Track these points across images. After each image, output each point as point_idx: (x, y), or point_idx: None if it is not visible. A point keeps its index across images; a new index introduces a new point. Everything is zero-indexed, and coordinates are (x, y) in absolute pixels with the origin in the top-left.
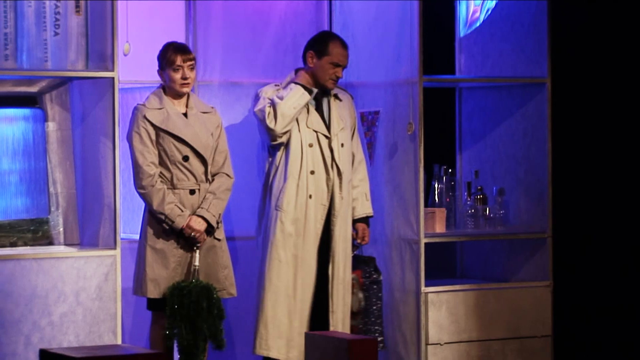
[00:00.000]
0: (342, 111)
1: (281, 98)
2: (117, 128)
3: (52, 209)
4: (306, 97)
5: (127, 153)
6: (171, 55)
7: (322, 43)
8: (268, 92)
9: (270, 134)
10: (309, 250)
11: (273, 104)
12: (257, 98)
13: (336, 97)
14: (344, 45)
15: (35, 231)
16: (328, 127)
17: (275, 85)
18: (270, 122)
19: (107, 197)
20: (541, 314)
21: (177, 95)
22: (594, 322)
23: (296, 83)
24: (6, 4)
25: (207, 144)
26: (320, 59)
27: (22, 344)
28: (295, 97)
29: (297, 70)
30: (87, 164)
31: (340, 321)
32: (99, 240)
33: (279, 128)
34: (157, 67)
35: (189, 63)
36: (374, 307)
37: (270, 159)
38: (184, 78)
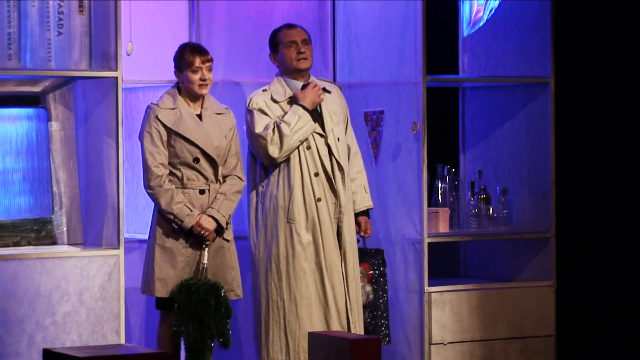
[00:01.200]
0: (333, 104)
1: (287, 122)
2: (120, 128)
3: (56, 208)
4: (312, 127)
5: (131, 153)
6: (189, 56)
7: (271, 41)
8: (259, 102)
9: (268, 160)
10: (331, 253)
11: (280, 132)
12: (250, 113)
13: (325, 90)
14: (289, 26)
15: (38, 231)
16: (322, 125)
17: (263, 90)
18: (272, 152)
19: (111, 196)
20: (544, 313)
21: (194, 97)
22: (597, 322)
23: (299, 105)
24: (10, 4)
25: (220, 146)
26: (277, 51)
27: (26, 344)
28: (303, 130)
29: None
30: (90, 164)
31: (357, 317)
32: (103, 240)
33: (281, 157)
34: (173, 69)
35: (207, 64)
36: (381, 300)
37: (263, 171)
38: (203, 79)
